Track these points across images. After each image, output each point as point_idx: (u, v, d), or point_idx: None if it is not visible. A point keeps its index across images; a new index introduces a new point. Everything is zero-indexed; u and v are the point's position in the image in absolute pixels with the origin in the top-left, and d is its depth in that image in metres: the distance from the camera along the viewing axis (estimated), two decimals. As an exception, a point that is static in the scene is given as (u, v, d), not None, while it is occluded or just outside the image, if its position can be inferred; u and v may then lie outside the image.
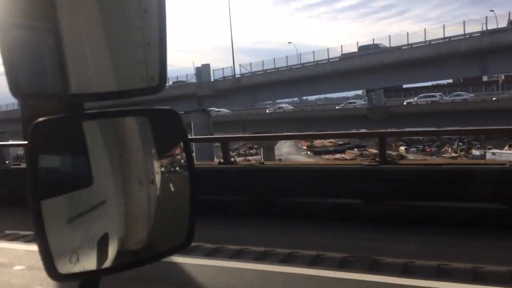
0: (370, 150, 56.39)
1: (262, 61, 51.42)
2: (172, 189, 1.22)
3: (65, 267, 1.03)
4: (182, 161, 1.19)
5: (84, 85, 1.04)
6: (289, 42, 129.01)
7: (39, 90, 1.02)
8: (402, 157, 44.04)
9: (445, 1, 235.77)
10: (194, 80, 53.55)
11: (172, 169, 1.22)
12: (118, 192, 1.14)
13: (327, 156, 53.37)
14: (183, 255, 5.52)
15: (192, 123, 47.71)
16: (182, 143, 1.20)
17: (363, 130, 38.86)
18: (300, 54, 50.61)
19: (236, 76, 51.75)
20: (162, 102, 50.48)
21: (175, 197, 1.23)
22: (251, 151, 64.13)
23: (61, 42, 0.99)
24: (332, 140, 62.23)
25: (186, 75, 56.87)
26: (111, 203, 1.13)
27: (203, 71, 51.24)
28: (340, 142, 63.36)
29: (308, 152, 62.01)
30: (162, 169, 1.20)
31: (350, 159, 44.77)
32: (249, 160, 42.30)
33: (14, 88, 0.95)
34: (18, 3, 0.98)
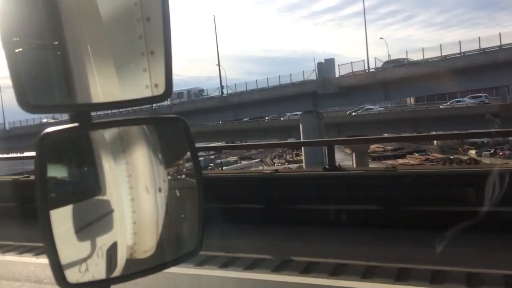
0: (434, 154, 53.03)
1: (406, 51, 44.63)
2: (180, 197, 1.22)
3: (75, 276, 1.03)
4: (190, 168, 1.19)
5: (90, 95, 1.05)
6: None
7: (46, 101, 1.03)
8: (476, 161, 40.50)
9: (451, 6, 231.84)
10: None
11: (179, 177, 1.22)
12: (126, 201, 1.15)
13: (390, 162, 48.64)
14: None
15: (301, 126, 43.28)
16: (189, 150, 1.20)
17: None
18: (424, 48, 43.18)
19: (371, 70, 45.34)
20: (272, 102, 46.48)
21: (183, 205, 1.23)
22: (298, 157, 60.33)
23: (66, 53, 1.00)
24: (378, 145, 58.91)
25: (303, 72, 48.57)
26: (119, 212, 1.14)
27: (326, 66, 44.78)
28: (390, 147, 60.40)
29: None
30: (170, 177, 1.20)
31: (418, 164, 40.75)
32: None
33: (22, 100, 0.96)
34: (24, 18, 0.99)
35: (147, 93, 1.08)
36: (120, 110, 1.19)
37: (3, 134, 60.29)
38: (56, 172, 1.06)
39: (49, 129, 1.02)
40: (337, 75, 45.68)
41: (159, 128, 1.20)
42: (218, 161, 59.20)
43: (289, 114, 56.76)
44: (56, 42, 0.99)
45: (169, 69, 1.07)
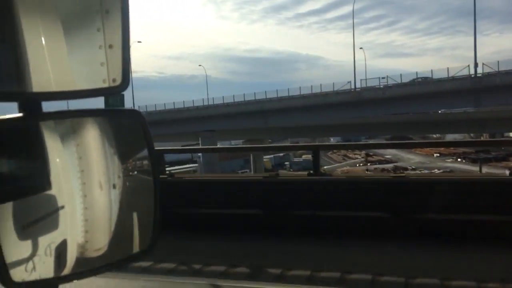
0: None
1: None
2: (135, 195, 1.18)
3: (21, 275, 0.99)
4: (146, 165, 1.16)
5: (42, 83, 0.99)
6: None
7: None
8: None
9: (433, 13, 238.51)
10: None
11: (135, 173, 1.18)
12: (78, 197, 1.10)
13: (501, 164, 46.56)
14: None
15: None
16: (146, 146, 1.16)
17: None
18: None
19: None
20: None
21: (138, 204, 1.20)
22: (371, 157, 56.36)
23: (17, 39, 0.94)
24: (451, 147, 55.83)
25: None
26: (70, 208, 1.09)
27: None
28: (470, 150, 57.85)
29: (459, 160, 56.63)
30: (125, 173, 1.16)
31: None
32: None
33: None
34: None
35: (103, 85, 1.03)
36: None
37: None
38: (2, 165, 1.01)
39: None
40: None
41: (114, 121, 1.16)
42: (296, 159, 56.02)
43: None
44: (7, 29, 0.93)
45: (127, 62, 1.03)
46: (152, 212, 1.15)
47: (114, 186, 1.13)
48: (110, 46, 1.01)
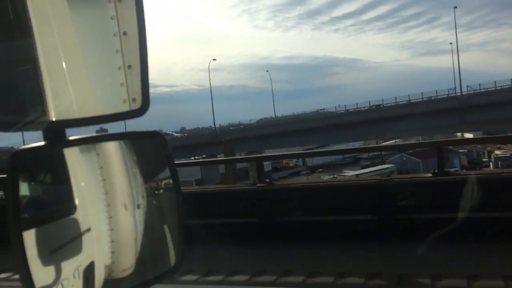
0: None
1: None
2: (159, 213, 1.19)
3: None
4: (169, 184, 1.17)
5: (64, 111, 1.02)
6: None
7: (18, 118, 1.00)
8: None
9: (476, 7, 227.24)
10: None
11: (158, 193, 1.19)
12: (103, 219, 1.11)
13: None
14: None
15: None
16: (168, 166, 1.18)
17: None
18: None
19: None
20: None
21: (162, 222, 1.20)
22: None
23: (38, 68, 0.97)
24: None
25: None
26: (96, 231, 1.10)
27: None
28: None
29: None
30: (148, 193, 1.17)
31: None
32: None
33: None
34: None
35: (125, 108, 1.06)
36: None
37: None
38: (29, 191, 1.03)
39: (21, 147, 0.98)
40: None
41: (136, 143, 1.18)
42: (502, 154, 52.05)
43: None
44: (28, 58, 0.96)
45: (146, 83, 1.06)
46: (177, 230, 1.15)
47: (138, 206, 1.14)
48: (129, 67, 1.04)
